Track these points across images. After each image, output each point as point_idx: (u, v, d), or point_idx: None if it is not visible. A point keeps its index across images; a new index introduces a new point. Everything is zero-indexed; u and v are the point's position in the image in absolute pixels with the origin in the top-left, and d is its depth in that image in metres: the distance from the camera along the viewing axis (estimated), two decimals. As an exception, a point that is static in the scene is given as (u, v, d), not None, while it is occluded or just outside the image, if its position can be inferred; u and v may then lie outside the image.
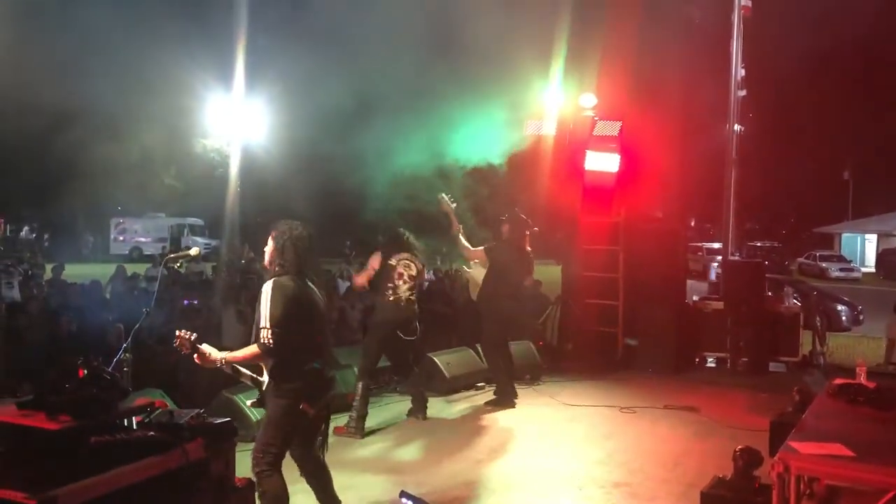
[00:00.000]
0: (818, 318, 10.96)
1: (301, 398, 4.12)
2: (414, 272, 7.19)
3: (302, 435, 4.31)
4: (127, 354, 4.53)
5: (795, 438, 3.97)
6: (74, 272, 17.35)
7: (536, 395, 8.59)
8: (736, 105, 12.47)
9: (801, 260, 38.15)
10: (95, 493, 3.11)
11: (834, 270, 34.63)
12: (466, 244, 8.09)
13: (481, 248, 8.16)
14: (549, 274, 12.46)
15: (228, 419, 4.09)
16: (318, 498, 4.48)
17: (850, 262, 37.17)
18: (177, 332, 4.23)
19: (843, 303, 18.44)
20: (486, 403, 8.11)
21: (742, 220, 24.69)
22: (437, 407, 7.96)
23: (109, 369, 3.91)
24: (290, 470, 4.32)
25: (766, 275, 12.94)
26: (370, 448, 6.65)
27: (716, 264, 18.30)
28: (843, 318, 17.65)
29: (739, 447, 4.85)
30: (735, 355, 10.21)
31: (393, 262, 7.14)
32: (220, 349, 4.31)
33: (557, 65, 10.68)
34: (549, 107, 10.87)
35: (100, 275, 15.11)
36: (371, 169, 9.49)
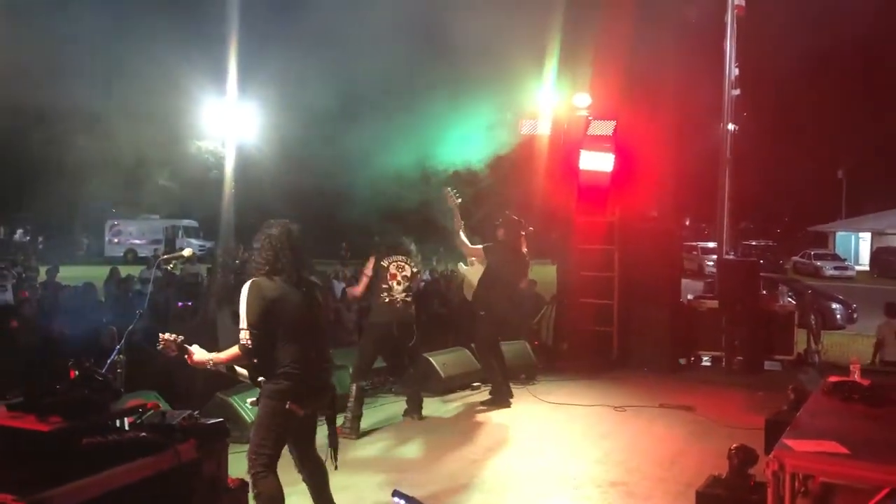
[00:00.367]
0: (813, 317, 11.00)
1: (287, 398, 4.09)
2: (408, 273, 7.18)
3: (297, 435, 4.29)
4: (120, 356, 4.52)
5: (790, 436, 3.96)
6: (69, 274, 17.31)
7: (532, 395, 8.58)
8: (730, 104, 12.48)
9: (795, 258, 38.25)
10: (87, 494, 3.08)
11: (828, 269, 34.72)
12: (466, 241, 8.08)
13: (480, 246, 8.15)
14: (544, 273, 12.47)
15: (221, 420, 4.07)
16: (314, 499, 4.46)
17: (845, 260, 37.30)
18: (160, 336, 4.20)
19: (838, 301, 18.49)
20: (482, 403, 8.11)
21: (737, 219, 24.76)
22: (433, 407, 7.96)
23: (103, 371, 3.89)
24: (286, 472, 4.31)
25: (761, 273, 12.96)
26: (366, 449, 6.63)
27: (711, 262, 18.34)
28: (838, 316, 17.70)
29: (734, 445, 4.85)
30: (730, 354, 10.22)
31: (385, 263, 7.14)
32: (217, 351, 4.29)
33: (551, 64, 10.66)
34: (544, 106, 10.85)
35: (94, 277, 15.07)
36: (365, 170, 9.48)
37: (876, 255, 38.03)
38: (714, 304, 10.66)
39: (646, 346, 10.18)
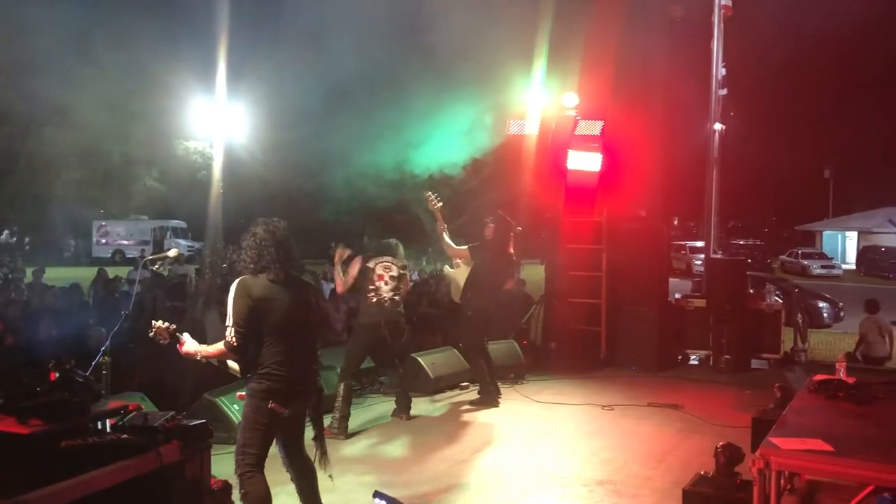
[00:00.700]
0: (800, 315, 11.05)
1: (269, 398, 4.08)
2: (395, 273, 7.18)
3: (284, 435, 4.27)
4: (106, 357, 4.49)
5: (776, 434, 3.97)
6: (56, 276, 17.21)
7: (521, 394, 8.58)
8: (717, 104, 12.51)
9: (783, 257, 38.48)
10: (67, 497, 3.05)
11: (815, 268, 34.94)
12: (450, 242, 8.07)
13: (465, 247, 8.14)
14: (533, 273, 12.49)
15: (204, 421, 4.04)
16: (302, 499, 4.44)
17: (832, 259, 37.54)
18: (153, 323, 4.21)
19: (825, 300, 18.59)
20: (471, 403, 8.10)
21: (725, 219, 24.82)
22: (422, 407, 7.95)
23: (88, 372, 3.86)
24: (273, 471, 4.28)
25: (749, 272, 13.00)
26: (354, 448, 6.62)
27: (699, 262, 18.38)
28: (825, 314, 17.80)
29: (721, 444, 4.87)
30: (718, 353, 10.25)
31: (371, 264, 7.15)
32: None
33: (539, 64, 10.67)
34: (532, 106, 10.85)
35: (82, 278, 15.00)
36: (351, 170, 9.46)
37: (862, 254, 38.31)
38: (702, 302, 10.69)
39: (634, 346, 10.19)
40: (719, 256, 12.51)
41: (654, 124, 10.73)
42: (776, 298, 11.01)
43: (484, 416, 7.73)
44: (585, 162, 10.35)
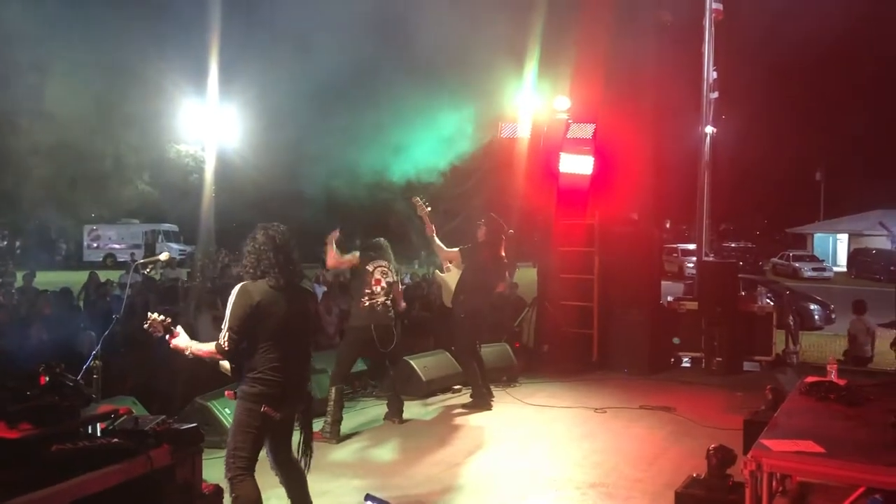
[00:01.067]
0: (791, 318, 11.08)
1: (262, 402, 4.07)
2: (391, 279, 7.18)
3: (273, 438, 4.26)
4: (97, 362, 4.47)
5: (767, 436, 3.98)
6: (47, 280, 17.11)
7: (513, 397, 8.58)
8: (708, 107, 12.57)
9: (774, 260, 38.61)
10: (58, 501, 3.04)
11: (807, 270, 35.08)
12: (441, 245, 8.07)
13: (456, 249, 8.14)
14: (525, 276, 12.49)
15: (195, 425, 4.03)
16: (293, 503, 4.43)
17: (823, 261, 37.70)
18: (149, 315, 4.22)
19: (816, 302, 18.67)
20: (463, 406, 8.09)
21: (716, 222, 24.91)
22: (414, 410, 7.93)
23: (79, 377, 3.84)
24: (264, 475, 4.27)
25: (740, 275, 13.04)
26: (346, 452, 6.60)
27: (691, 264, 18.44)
28: (816, 317, 17.88)
29: (713, 446, 4.87)
30: (709, 355, 10.27)
31: (370, 268, 7.13)
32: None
33: (531, 67, 10.69)
34: (524, 109, 10.87)
35: (73, 282, 14.91)
36: (344, 173, 9.45)
37: (853, 257, 38.48)
38: (694, 305, 10.72)
39: (626, 348, 10.21)
40: (711, 259, 12.55)
41: (646, 127, 10.75)
42: (768, 301, 11.06)
43: (476, 419, 7.72)
44: (577, 165, 10.37)
